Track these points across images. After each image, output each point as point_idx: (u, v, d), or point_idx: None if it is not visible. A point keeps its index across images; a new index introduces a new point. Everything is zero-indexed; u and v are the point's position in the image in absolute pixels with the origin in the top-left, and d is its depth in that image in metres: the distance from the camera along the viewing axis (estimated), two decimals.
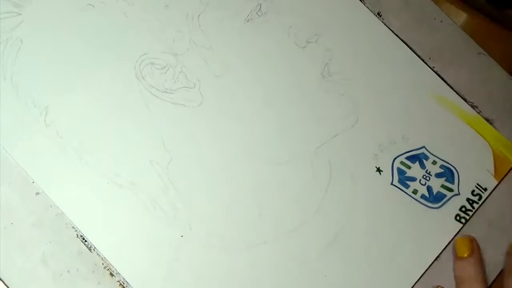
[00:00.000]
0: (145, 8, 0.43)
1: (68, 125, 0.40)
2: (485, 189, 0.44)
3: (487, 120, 0.45)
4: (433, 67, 0.46)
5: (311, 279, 0.40)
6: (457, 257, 0.41)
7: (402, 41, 0.46)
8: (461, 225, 0.43)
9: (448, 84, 0.46)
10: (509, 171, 0.44)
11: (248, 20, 0.45)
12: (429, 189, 0.43)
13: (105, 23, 0.42)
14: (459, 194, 0.43)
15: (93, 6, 0.43)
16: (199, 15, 0.44)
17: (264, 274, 0.39)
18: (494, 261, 0.42)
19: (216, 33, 0.44)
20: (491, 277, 0.42)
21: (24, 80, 0.40)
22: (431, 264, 0.41)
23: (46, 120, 0.40)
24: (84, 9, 0.42)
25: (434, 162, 0.44)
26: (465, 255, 0.41)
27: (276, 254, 0.40)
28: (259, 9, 0.45)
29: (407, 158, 0.44)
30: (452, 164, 0.44)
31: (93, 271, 0.38)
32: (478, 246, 0.42)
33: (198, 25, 0.44)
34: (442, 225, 0.42)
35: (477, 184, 0.44)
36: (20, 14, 0.41)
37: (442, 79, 0.46)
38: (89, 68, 0.41)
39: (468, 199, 0.43)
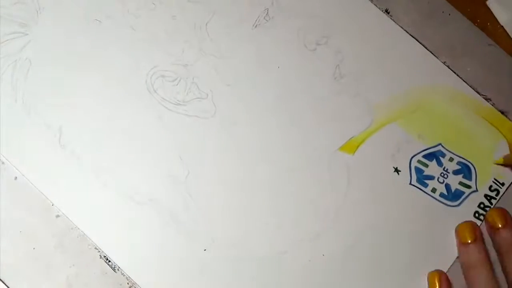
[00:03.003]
0: (152, 20, 0.43)
1: (83, 144, 0.40)
2: (503, 184, 0.43)
3: (501, 112, 0.45)
4: (445, 62, 0.45)
5: (334, 285, 0.40)
6: (461, 243, 0.41)
7: (412, 36, 0.45)
8: (481, 222, 0.42)
9: (461, 78, 0.45)
10: None
11: (256, 26, 0.44)
12: (447, 187, 0.43)
13: (113, 38, 0.42)
14: (477, 190, 0.43)
15: (100, 21, 0.42)
16: (206, 24, 0.43)
17: (288, 283, 0.39)
18: None
19: (225, 41, 0.43)
20: None
21: (36, 101, 0.40)
22: (452, 264, 0.41)
23: (60, 140, 0.39)
24: (91, 24, 0.42)
25: (451, 159, 0.43)
26: (469, 241, 0.40)
27: (298, 262, 0.40)
28: (266, 14, 0.44)
29: (424, 156, 0.43)
30: (469, 160, 0.44)
31: None
32: (481, 232, 0.41)
33: (207, 34, 0.43)
34: None
35: (494, 179, 0.43)
36: (27, 34, 0.41)
37: (454, 72, 0.45)
38: (100, 84, 0.41)
39: (486, 195, 0.43)
